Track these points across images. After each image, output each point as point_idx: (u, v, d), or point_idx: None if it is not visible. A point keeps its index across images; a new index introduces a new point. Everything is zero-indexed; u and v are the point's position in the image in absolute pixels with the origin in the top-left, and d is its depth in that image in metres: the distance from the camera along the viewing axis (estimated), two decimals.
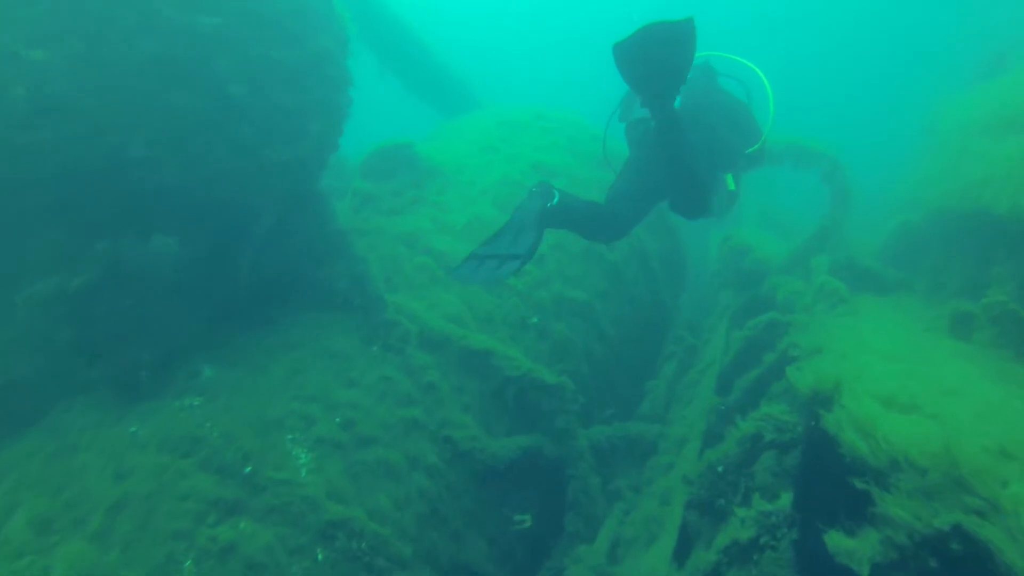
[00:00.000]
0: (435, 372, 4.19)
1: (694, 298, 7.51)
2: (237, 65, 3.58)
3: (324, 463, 3.55)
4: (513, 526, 4.21)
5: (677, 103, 3.87)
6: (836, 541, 2.38)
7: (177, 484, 3.09)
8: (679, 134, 3.76)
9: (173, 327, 3.80)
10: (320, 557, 3.25)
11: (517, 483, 4.24)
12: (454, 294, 4.68)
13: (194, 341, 3.88)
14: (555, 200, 3.83)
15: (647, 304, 6.00)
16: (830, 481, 2.95)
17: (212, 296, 4.00)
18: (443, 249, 4.91)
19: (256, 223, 4.02)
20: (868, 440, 2.52)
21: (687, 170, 3.88)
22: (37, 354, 3.74)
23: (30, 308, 3.36)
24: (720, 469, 3.63)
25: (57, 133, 3.05)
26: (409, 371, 4.13)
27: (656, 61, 3.46)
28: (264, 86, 3.75)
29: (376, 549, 3.40)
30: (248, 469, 3.32)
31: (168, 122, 3.32)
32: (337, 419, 3.76)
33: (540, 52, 27.51)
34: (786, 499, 3.11)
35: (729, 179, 4.38)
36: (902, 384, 2.94)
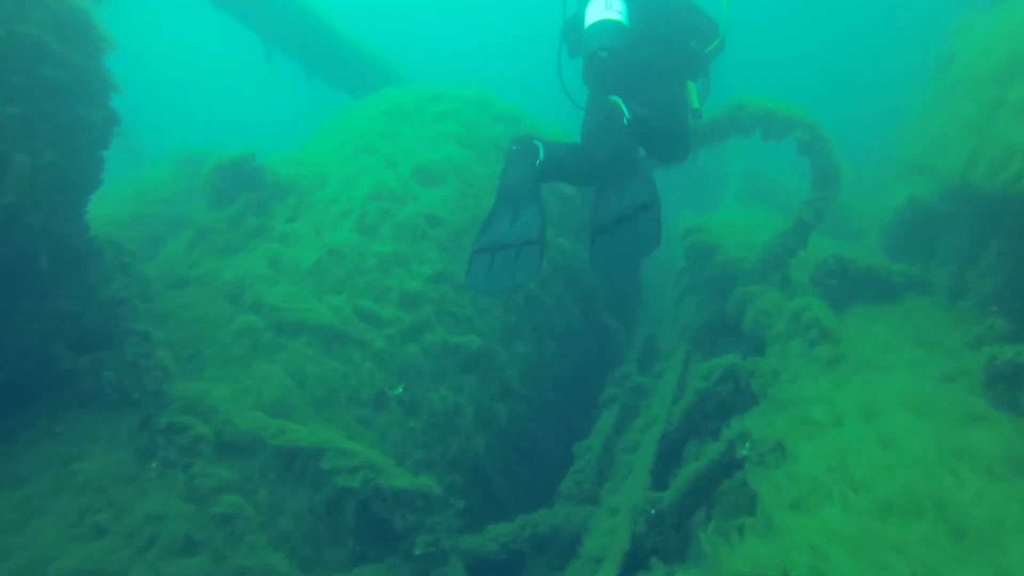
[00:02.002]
0: (235, 493, 2.88)
1: (660, 302, 6.05)
2: None
3: None
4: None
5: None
6: None
7: None
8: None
9: None
10: None
11: None
12: (280, 366, 3.33)
13: None
14: (541, 155, 3.58)
15: (579, 334, 4.58)
16: None
17: None
18: (277, 303, 3.54)
19: None
20: None
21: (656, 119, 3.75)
22: None
23: None
24: None
25: None
26: (196, 497, 2.84)
27: None
28: None
29: None
30: None
31: None
32: None
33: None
34: None
35: (692, 91, 4.26)
36: None
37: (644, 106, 3.90)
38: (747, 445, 2.61)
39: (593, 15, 3.97)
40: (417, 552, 3.01)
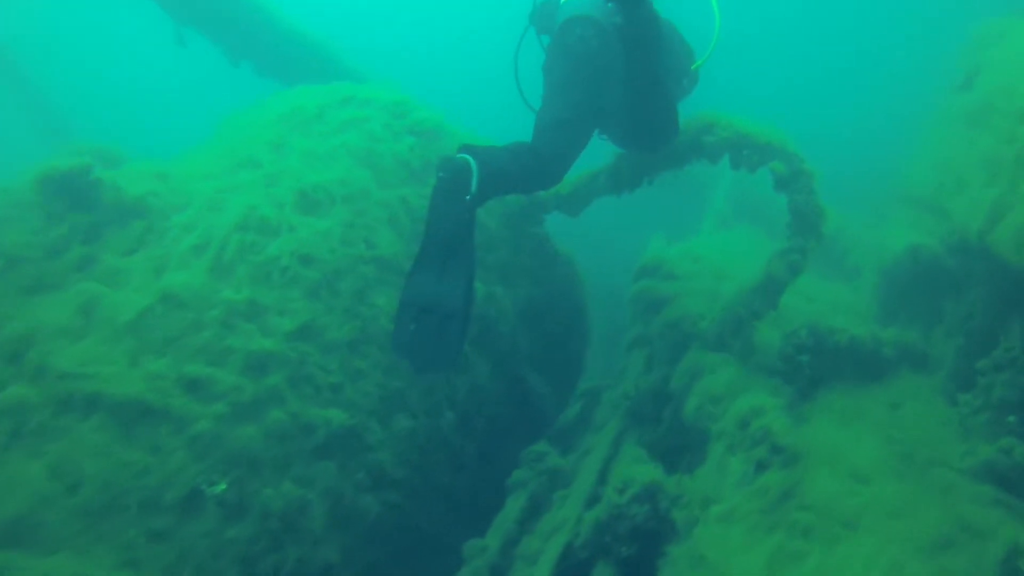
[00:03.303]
0: None
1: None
2: None
3: None
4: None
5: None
6: None
7: None
8: (654, 39, 3.19)
9: None
10: None
11: None
12: (46, 461, 2.42)
13: None
14: (474, 186, 2.89)
15: (491, 399, 3.63)
16: None
17: None
18: (69, 368, 2.61)
19: None
20: None
21: (656, 84, 3.27)
22: None
23: None
24: None
25: None
26: None
27: None
28: None
29: None
30: None
31: None
32: None
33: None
34: None
35: None
36: None
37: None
38: None
39: None
40: None
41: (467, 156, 2.99)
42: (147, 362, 2.75)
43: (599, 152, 4.03)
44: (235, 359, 2.86)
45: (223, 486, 2.63)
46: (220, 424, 2.70)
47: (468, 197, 2.89)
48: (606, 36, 3.48)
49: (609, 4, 3.48)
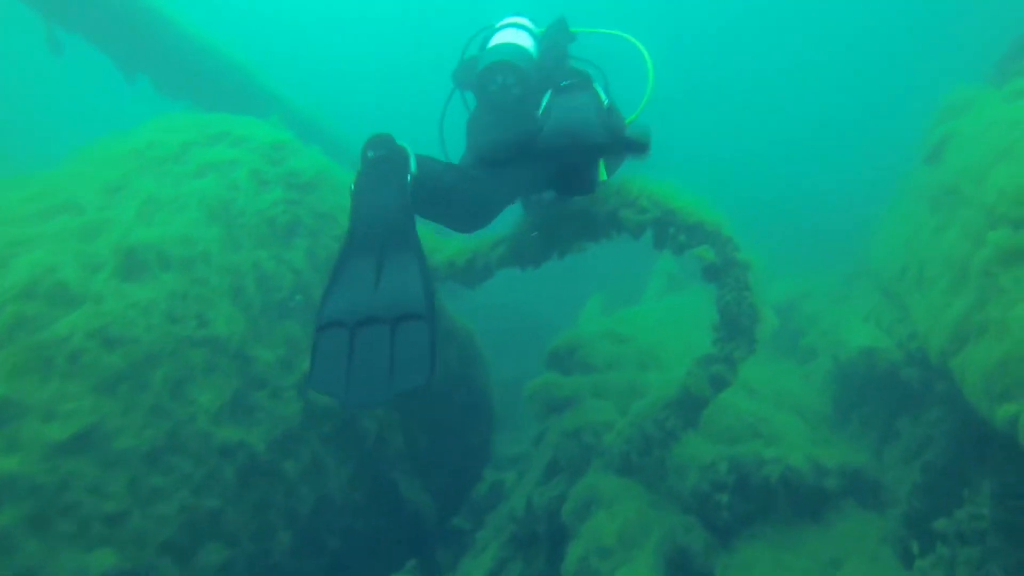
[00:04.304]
0: None
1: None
2: None
3: None
4: None
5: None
6: None
7: None
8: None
9: None
10: None
11: None
12: None
13: None
14: (414, 166, 2.30)
15: (354, 510, 2.89)
16: None
17: None
18: None
19: None
20: None
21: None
22: None
23: None
24: None
25: None
26: None
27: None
28: None
29: None
30: None
31: None
32: None
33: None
34: None
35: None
36: None
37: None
38: None
39: (500, 39, 3.11)
40: None
41: (401, 143, 2.38)
42: None
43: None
44: None
45: None
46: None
47: (409, 177, 2.26)
48: (529, 82, 3.04)
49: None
